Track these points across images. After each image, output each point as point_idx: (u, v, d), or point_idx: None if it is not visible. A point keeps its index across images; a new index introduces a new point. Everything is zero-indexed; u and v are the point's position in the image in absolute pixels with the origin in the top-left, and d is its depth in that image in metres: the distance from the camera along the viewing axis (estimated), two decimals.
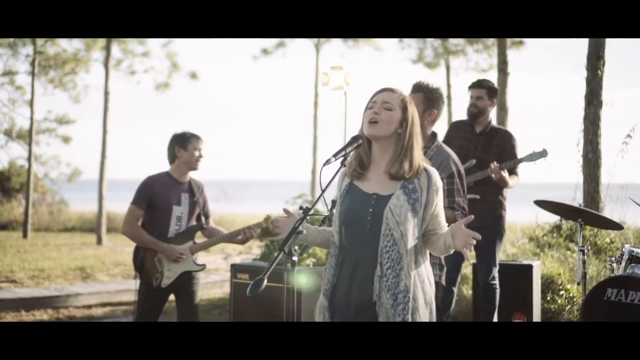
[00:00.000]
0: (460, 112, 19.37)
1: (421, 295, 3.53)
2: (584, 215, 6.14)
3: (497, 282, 6.63)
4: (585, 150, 11.17)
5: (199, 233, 6.30)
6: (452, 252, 3.55)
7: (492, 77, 17.82)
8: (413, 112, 3.63)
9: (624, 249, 6.14)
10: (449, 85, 20.40)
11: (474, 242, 3.37)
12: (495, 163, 6.37)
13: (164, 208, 6.12)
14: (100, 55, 20.94)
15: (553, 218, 10.41)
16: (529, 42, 17.92)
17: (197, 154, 6.16)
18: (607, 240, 9.32)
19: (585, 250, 6.10)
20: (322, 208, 3.95)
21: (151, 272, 6.13)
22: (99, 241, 19.10)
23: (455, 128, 6.96)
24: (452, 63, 20.15)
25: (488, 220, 6.57)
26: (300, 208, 3.35)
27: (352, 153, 3.62)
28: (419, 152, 3.61)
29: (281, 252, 3.12)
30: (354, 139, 3.57)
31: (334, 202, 5.05)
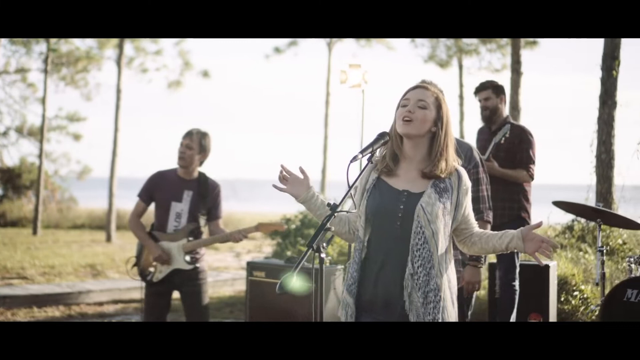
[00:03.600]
0: (471, 111, 19.34)
1: (449, 295, 3.49)
2: (602, 216, 6.08)
3: (517, 283, 6.57)
4: (598, 151, 11.12)
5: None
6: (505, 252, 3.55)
7: (505, 77, 17.76)
8: (447, 110, 3.57)
9: None
10: (461, 85, 20.34)
11: (550, 249, 3.36)
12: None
13: (162, 202, 6.18)
14: (112, 53, 20.97)
15: (565, 219, 10.36)
16: (544, 42, 17.78)
17: (179, 149, 6.16)
18: (620, 241, 9.26)
19: (604, 251, 6.05)
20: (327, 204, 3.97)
21: (145, 266, 6.22)
22: (109, 238, 19.10)
23: (478, 133, 7.04)
24: (465, 62, 20.06)
25: (505, 219, 6.51)
26: (328, 205, 3.27)
27: (380, 149, 3.57)
28: (453, 151, 3.56)
29: (309, 249, 3.04)
30: (381, 135, 3.49)
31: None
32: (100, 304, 10.27)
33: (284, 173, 3.74)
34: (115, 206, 19.89)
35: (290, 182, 3.72)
